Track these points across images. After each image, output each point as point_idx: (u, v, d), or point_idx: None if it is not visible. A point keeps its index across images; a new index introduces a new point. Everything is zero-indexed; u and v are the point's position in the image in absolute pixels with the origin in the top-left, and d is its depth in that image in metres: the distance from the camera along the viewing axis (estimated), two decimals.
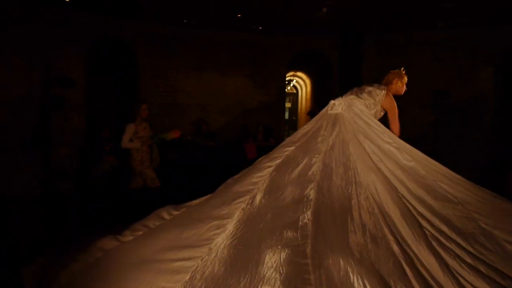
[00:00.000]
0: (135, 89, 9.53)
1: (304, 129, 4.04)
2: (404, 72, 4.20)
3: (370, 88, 4.05)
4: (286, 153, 3.80)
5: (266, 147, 8.99)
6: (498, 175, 6.82)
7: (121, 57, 9.69)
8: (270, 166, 3.72)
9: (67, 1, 7.39)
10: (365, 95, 4.02)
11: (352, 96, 4.04)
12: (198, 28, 9.55)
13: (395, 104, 4.10)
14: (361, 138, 3.69)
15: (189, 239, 3.24)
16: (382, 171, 3.45)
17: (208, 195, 3.91)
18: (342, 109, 3.93)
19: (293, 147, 3.84)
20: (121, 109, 9.99)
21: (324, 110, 4.07)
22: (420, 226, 3.09)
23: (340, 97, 4.08)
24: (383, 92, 4.04)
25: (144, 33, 9.33)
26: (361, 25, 8.03)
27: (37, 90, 7.64)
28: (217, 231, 3.22)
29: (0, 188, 6.96)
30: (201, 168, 8.23)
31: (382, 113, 4.12)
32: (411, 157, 3.61)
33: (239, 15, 8.39)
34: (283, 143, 4.02)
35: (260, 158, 4.01)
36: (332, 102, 4.03)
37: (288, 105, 21.20)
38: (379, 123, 3.89)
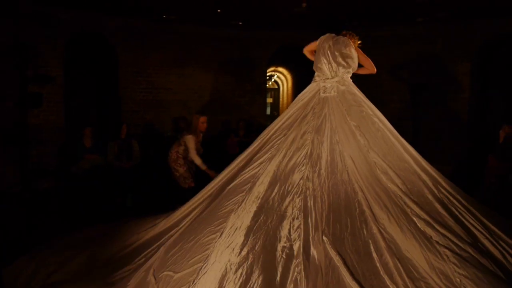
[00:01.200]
0: (115, 86, 9.43)
1: (292, 115, 3.97)
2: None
3: (343, 39, 4.02)
4: (275, 145, 3.77)
5: (247, 143, 9.00)
6: (477, 163, 6.99)
7: (100, 53, 9.56)
8: (260, 164, 3.70)
9: None
10: (342, 48, 3.96)
11: (341, 70, 3.94)
12: (178, 23, 9.48)
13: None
14: (351, 122, 3.69)
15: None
16: (371, 158, 3.50)
17: (199, 202, 3.94)
18: (334, 91, 3.88)
19: (282, 138, 3.80)
20: (101, 106, 9.91)
21: (312, 91, 4.01)
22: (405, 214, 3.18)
23: (327, 65, 3.96)
24: (351, 41, 4.03)
25: (123, 28, 9.21)
26: (341, 20, 8.08)
27: (15, 87, 7.49)
28: (213, 236, 3.25)
29: None
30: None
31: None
32: (398, 141, 3.74)
33: (218, 11, 8.35)
34: (271, 131, 3.97)
35: (250, 149, 4.00)
36: (323, 84, 3.95)
37: (269, 100, 21.26)
38: (371, 104, 3.92)
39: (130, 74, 9.46)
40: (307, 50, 4.24)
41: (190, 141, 5.71)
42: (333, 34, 4.05)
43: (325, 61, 3.94)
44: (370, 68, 4.07)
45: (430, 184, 3.56)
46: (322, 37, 4.05)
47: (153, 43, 9.63)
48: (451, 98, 9.21)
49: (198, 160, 5.68)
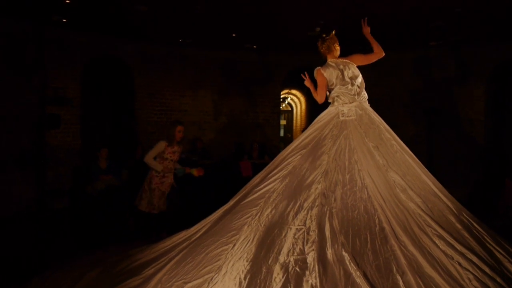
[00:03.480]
0: (131, 108, 9.58)
1: (309, 136, 3.96)
2: (334, 32, 4.16)
3: (342, 61, 4.04)
4: (291, 163, 3.77)
5: (261, 165, 9.02)
6: (492, 188, 6.88)
7: (117, 76, 9.75)
8: (276, 179, 3.71)
9: (64, 21, 7.46)
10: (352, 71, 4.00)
11: (359, 97, 3.96)
12: (194, 46, 9.65)
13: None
14: (370, 143, 3.69)
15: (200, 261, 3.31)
16: (390, 177, 3.48)
17: (215, 215, 3.92)
18: (352, 115, 3.88)
19: (298, 157, 3.80)
20: (116, 127, 10.04)
21: (331, 114, 3.99)
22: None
23: (340, 97, 3.97)
24: (351, 62, 4.04)
25: (140, 52, 9.41)
26: (353, 44, 8.13)
27: (34, 109, 7.66)
28: (225, 247, 3.26)
29: None
30: (197, 185, 8.22)
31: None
32: (416, 163, 3.71)
33: (234, 35, 8.50)
34: (288, 151, 3.96)
35: (265, 169, 3.98)
36: (341, 108, 3.93)
37: (283, 122, 21.29)
38: (388, 128, 3.92)
39: (146, 96, 9.62)
40: (321, 93, 4.11)
41: (159, 145, 5.25)
42: (330, 62, 4.07)
43: (343, 88, 3.96)
44: (379, 52, 4.07)
45: (451, 205, 3.52)
46: (324, 69, 4.04)
47: (168, 66, 9.81)
48: (466, 121, 9.14)
49: (152, 163, 5.22)
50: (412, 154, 3.83)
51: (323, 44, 4.11)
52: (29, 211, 7.37)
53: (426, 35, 8.30)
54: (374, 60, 4.11)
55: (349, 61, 4.04)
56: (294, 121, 19.03)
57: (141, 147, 7.83)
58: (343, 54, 4.15)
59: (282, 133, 20.40)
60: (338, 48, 4.12)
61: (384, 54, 4.06)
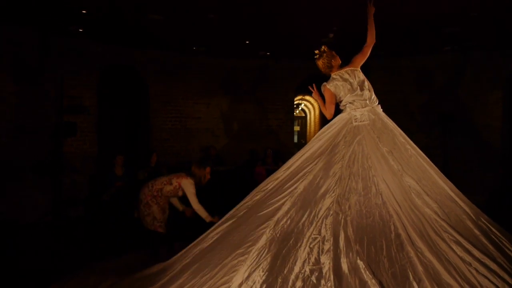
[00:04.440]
0: (146, 115, 9.68)
1: (323, 143, 3.92)
2: (325, 48, 4.11)
3: (354, 73, 4.00)
4: (306, 172, 3.74)
5: (275, 171, 9.02)
6: (510, 194, 6.77)
7: (132, 84, 9.87)
8: (291, 191, 3.66)
9: (80, 31, 7.60)
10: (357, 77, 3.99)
11: (370, 101, 3.94)
12: (207, 54, 9.73)
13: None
14: (383, 148, 3.67)
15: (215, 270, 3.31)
16: (405, 183, 3.45)
17: (230, 222, 3.88)
18: (365, 120, 3.84)
19: (312, 165, 3.77)
20: (131, 135, 10.15)
21: (343, 120, 3.95)
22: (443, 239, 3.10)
23: (353, 102, 3.94)
24: (354, 68, 4.02)
25: (154, 60, 9.53)
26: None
27: (51, 117, 7.79)
28: (241, 258, 3.25)
29: (13, 214, 7.05)
30: (211, 192, 8.25)
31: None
32: (431, 168, 3.68)
33: (247, 42, 8.54)
34: (301, 159, 3.93)
35: (279, 177, 3.94)
36: (354, 113, 3.89)
37: (297, 128, 21.29)
38: (402, 132, 3.89)
39: (160, 104, 9.72)
40: (329, 107, 4.09)
41: (190, 186, 4.98)
42: (334, 76, 4.05)
43: (353, 95, 3.94)
44: (371, 40, 4.04)
45: (469, 210, 3.46)
46: (329, 84, 4.04)
47: (182, 74, 9.90)
48: (482, 127, 9.02)
49: (201, 211, 4.94)
50: (427, 159, 3.78)
51: (322, 65, 4.10)
52: (46, 219, 7.46)
53: (440, 40, 8.24)
54: (369, 52, 4.06)
55: (352, 68, 4.00)
56: (308, 127, 19.02)
57: (156, 154, 7.90)
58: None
59: (296, 139, 20.38)
60: (338, 61, 4.09)
61: (375, 41, 4.01)
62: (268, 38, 8.34)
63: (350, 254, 3.01)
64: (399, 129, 3.91)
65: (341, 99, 4.00)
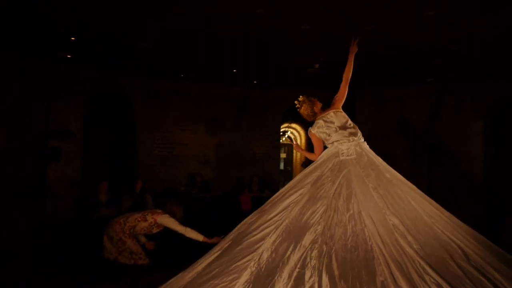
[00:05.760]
0: (132, 141, 9.66)
1: (309, 175, 3.94)
2: (304, 98, 4.30)
3: (336, 115, 4.11)
4: (290, 204, 3.74)
5: (261, 198, 9.02)
6: (494, 224, 6.82)
7: (119, 109, 9.87)
8: (276, 221, 3.65)
9: (68, 56, 7.63)
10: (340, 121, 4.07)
11: (356, 136, 4.02)
12: (195, 82, 9.82)
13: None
14: (369, 184, 3.68)
15: None
16: (389, 221, 3.45)
17: (215, 253, 3.83)
18: (352, 154, 3.90)
19: (298, 197, 3.77)
20: (117, 160, 10.09)
21: (330, 154, 4.00)
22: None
23: (338, 140, 4.01)
24: (336, 109, 4.14)
25: (141, 86, 9.57)
26: (354, 80, 8.30)
27: (36, 142, 7.73)
28: None
29: None
30: (196, 219, 8.18)
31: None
32: (418, 204, 3.68)
33: (234, 70, 8.67)
34: (287, 192, 3.92)
35: (265, 207, 3.94)
36: (340, 147, 3.96)
37: (283, 155, 21.36)
38: (389, 168, 3.93)
39: (147, 130, 9.72)
40: (318, 152, 4.19)
41: (169, 219, 4.91)
42: (318, 121, 4.15)
43: (338, 134, 4.03)
44: (346, 77, 4.19)
45: (455, 246, 3.45)
46: (314, 129, 4.15)
47: (169, 101, 9.96)
48: (465, 156, 9.18)
49: (194, 234, 4.86)
50: (414, 190, 3.80)
51: (305, 114, 4.24)
52: (27, 243, 7.30)
53: (424, 71, 8.46)
54: (346, 89, 4.18)
55: (334, 110, 4.12)
56: (294, 154, 19.10)
57: (141, 180, 7.84)
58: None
59: (282, 166, 20.42)
60: (319, 105, 4.22)
61: (349, 80, 4.14)
62: (255, 67, 8.48)
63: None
64: (385, 164, 3.96)
65: (328, 140, 4.08)
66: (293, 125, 16.68)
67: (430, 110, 9.58)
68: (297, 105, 4.24)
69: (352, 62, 4.21)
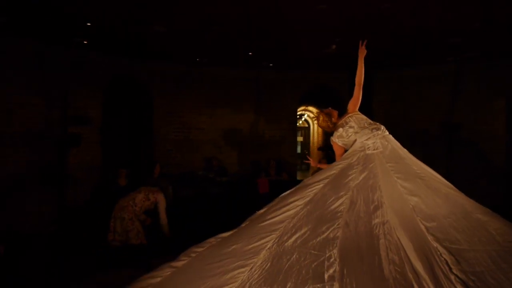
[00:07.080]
0: (149, 126, 9.73)
1: (335, 167, 3.96)
2: (318, 112, 4.39)
3: (353, 118, 4.15)
4: (314, 191, 3.75)
5: (278, 182, 9.04)
6: None
7: (136, 95, 9.93)
8: (298, 205, 3.66)
9: (85, 42, 7.67)
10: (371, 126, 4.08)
11: (383, 134, 4.02)
12: (211, 66, 9.79)
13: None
14: (394, 176, 3.65)
15: (214, 278, 3.24)
16: (417, 221, 3.36)
17: (231, 232, 3.87)
18: (378, 148, 3.90)
19: (321, 184, 3.79)
20: (135, 145, 10.19)
21: (356, 149, 4.01)
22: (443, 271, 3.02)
23: (366, 133, 4.02)
24: (352, 113, 4.18)
25: (158, 72, 9.60)
26: (371, 60, 8.17)
27: (55, 128, 7.84)
28: (242, 270, 3.22)
29: (15, 224, 7.04)
30: (214, 203, 8.25)
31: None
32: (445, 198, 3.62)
33: (250, 53, 8.60)
34: (311, 179, 3.95)
35: (286, 193, 3.97)
36: (366, 142, 3.95)
37: (300, 139, 21.27)
38: (415, 160, 3.91)
39: (164, 115, 9.77)
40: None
41: (164, 202, 5.64)
42: (338, 129, 4.18)
43: (361, 134, 4.03)
44: (359, 81, 4.19)
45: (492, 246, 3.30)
46: (336, 137, 4.20)
47: (185, 85, 9.97)
48: (486, 136, 8.99)
49: (167, 226, 5.55)
50: (444, 182, 3.74)
51: (325, 126, 4.29)
52: (48, 229, 7.45)
53: (443, 51, 8.26)
54: (360, 92, 4.18)
55: (351, 114, 4.16)
56: (311, 138, 18.99)
57: (159, 165, 7.92)
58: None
59: (299, 149, 20.36)
60: (335, 114, 4.26)
61: (362, 83, 4.14)
62: (271, 49, 8.39)
63: (355, 275, 2.96)
64: (411, 156, 3.93)
65: (351, 142, 4.11)
66: (310, 108, 16.55)
67: (450, 89, 9.38)
68: (315, 119, 4.24)
69: (363, 65, 4.21)
